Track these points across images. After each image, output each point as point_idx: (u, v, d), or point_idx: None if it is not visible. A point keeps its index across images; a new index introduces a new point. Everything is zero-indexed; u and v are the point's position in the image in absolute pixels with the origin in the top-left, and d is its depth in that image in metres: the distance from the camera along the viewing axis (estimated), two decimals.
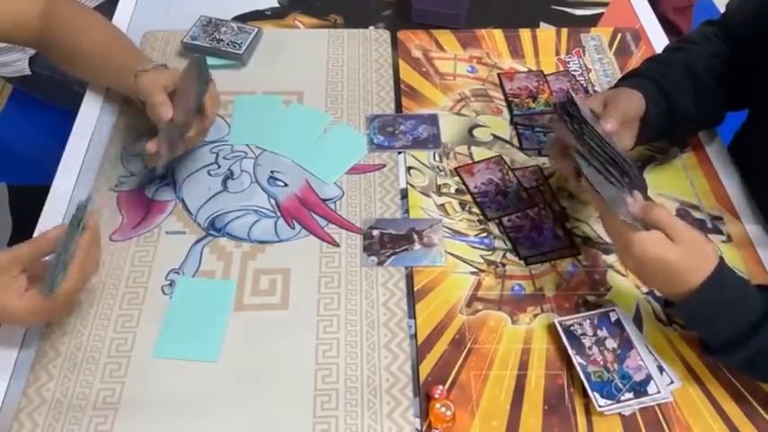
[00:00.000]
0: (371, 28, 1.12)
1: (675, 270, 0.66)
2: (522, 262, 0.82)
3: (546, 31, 1.13)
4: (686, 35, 0.95)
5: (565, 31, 1.13)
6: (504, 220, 0.86)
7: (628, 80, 0.86)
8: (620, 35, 1.13)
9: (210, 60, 1.03)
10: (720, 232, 0.86)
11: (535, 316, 0.78)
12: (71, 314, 0.75)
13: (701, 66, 0.86)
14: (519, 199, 0.88)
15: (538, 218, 0.86)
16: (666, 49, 0.94)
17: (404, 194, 0.89)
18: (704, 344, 0.71)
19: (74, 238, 0.67)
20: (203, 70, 0.81)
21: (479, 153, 0.94)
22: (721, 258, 0.67)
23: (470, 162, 0.93)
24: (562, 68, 1.06)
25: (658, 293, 0.77)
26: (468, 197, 0.89)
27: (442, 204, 0.88)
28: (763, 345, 0.65)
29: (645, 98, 0.81)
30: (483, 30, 1.12)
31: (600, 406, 0.68)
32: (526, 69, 1.06)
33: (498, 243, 0.84)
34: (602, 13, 1.18)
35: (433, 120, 0.98)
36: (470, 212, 0.87)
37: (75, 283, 0.68)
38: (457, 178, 0.91)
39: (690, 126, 0.92)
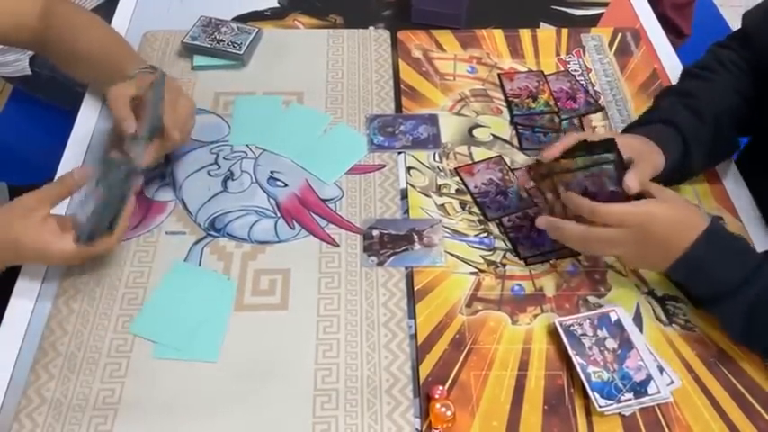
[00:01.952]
0: (371, 28, 1.12)
1: (664, 220, 0.70)
2: (522, 262, 0.82)
3: (546, 31, 1.13)
4: (705, 61, 0.91)
5: (565, 31, 1.13)
6: (504, 220, 0.86)
7: (658, 124, 0.83)
8: (620, 35, 1.13)
9: (210, 61, 1.03)
10: None
11: (535, 316, 0.78)
12: (82, 268, 0.79)
13: (727, 114, 0.84)
14: (519, 199, 0.88)
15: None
16: (686, 76, 0.92)
17: (404, 195, 0.89)
18: (700, 299, 0.76)
19: (117, 192, 0.73)
20: (157, 93, 0.80)
21: (479, 153, 0.94)
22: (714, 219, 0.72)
23: (470, 162, 0.93)
24: (562, 68, 1.06)
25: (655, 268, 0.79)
26: (468, 197, 0.89)
27: (442, 204, 0.88)
28: (757, 296, 0.69)
29: (665, 153, 0.80)
30: (483, 30, 1.12)
31: (600, 406, 0.68)
32: (526, 69, 1.06)
33: (498, 243, 0.84)
34: (602, 13, 1.18)
35: (432, 120, 0.98)
36: (470, 213, 0.87)
37: (117, 240, 0.74)
38: (457, 178, 0.91)
39: (691, 175, 0.90)
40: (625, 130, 0.88)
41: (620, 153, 0.74)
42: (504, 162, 0.93)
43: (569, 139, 0.77)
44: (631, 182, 0.73)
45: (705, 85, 0.87)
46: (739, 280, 0.70)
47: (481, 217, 0.87)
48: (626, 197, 0.73)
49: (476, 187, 0.90)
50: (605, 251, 0.78)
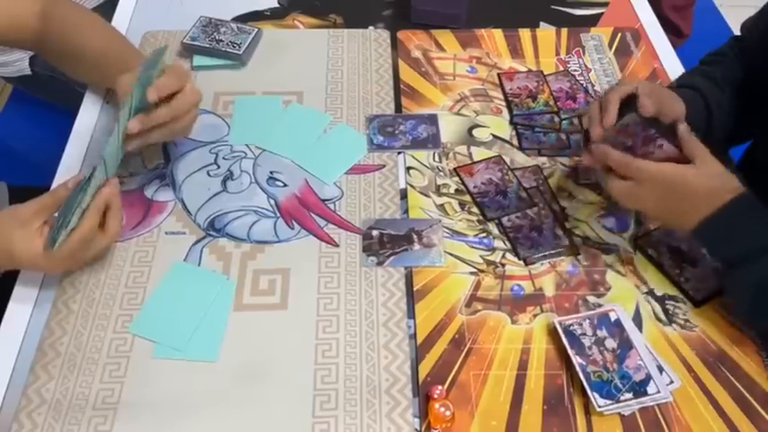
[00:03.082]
0: (371, 28, 1.12)
1: (696, 187, 0.71)
2: (521, 262, 0.82)
3: (546, 31, 1.13)
4: (721, 48, 0.95)
5: (565, 30, 1.13)
6: (504, 220, 0.86)
7: (679, 89, 0.87)
8: (619, 35, 1.13)
9: (210, 61, 1.03)
10: None
11: (535, 316, 0.78)
12: (82, 269, 0.79)
13: (737, 86, 0.88)
14: (519, 199, 0.88)
15: (537, 218, 0.86)
16: (701, 62, 0.95)
17: (403, 195, 0.89)
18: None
19: (78, 198, 0.71)
20: (150, 64, 0.78)
21: (479, 153, 0.94)
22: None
23: (470, 162, 0.93)
24: (562, 68, 1.06)
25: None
26: (467, 197, 0.89)
27: (442, 204, 0.88)
28: None
29: (685, 104, 0.83)
30: (483, 30, 1.12)
31: (599, 406, 0.68)
32: (526, 69, 1.06)
33: (498, 243, 0.84)
34: (602, 13, 1.18)
35: (432, 120, 0.98)
36: (470, 213, 0.87)
37: (78, 243, 0.72)
38: (456, 178, 0.91)
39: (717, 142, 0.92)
40: None
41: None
42: (504, 162, 0.92)
43: (612, 107, 0.79)
44: (645, 102, 0.76)
45: (719, 66, 0.91)
46: (760, 247, 0.70)
47: (481, 217, 0.87)
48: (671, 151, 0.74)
49: (475, 187, 0.90)
50: (631, 204, 0.79)
